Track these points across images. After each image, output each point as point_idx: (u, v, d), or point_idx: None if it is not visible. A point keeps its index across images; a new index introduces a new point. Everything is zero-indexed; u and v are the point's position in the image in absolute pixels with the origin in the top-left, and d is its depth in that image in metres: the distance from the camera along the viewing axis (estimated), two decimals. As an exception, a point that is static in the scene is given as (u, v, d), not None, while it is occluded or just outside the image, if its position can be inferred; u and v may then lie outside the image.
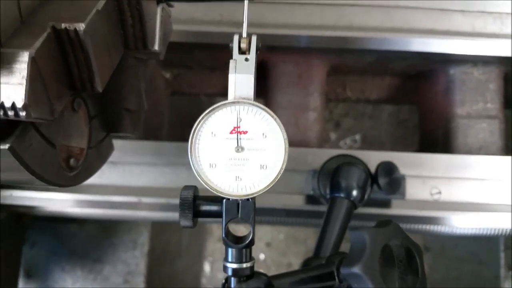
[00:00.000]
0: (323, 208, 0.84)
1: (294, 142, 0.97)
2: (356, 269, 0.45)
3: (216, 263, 1.61)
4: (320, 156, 0.85)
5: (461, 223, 0.87)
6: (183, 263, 1.47)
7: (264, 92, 1.02)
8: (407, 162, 0.87)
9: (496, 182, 0.87)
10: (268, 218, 0.88)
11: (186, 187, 0.47)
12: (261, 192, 0.44)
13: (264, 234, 1.66)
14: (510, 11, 0.94)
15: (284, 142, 0.44)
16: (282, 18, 0.92)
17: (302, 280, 0.51)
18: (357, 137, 1.79)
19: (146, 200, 0.85)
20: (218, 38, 0.91)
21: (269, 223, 0.89)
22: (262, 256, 1.64)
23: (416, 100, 1.16)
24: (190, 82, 1.12)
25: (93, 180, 0.86)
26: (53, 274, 1.25)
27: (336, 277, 0.50)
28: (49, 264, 1.25)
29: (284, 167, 0.44)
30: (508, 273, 1.46)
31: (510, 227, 0.87)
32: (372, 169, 0.74)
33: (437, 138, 1.05)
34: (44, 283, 1.25)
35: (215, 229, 1.61)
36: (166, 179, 0.87)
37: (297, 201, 0.87)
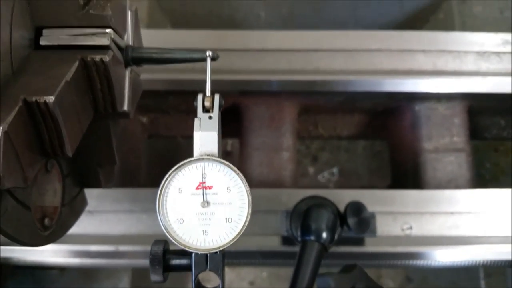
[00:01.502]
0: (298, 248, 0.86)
1: (268, 182, 0.99)
2: (322, 314, 0.47)
3: (200, 304, 1.60)
4: (294, 196, 0.87)
5: (433, 257, 0.89)
6: (166, 305, 1.45)
7: (238, 134, 1.05)
8: (377, 199, 0.89)
9: (465, 215, 0.90)
10: (244, 260, 0.89)
11: (156, 242, 0.48)
12: (228, 245, 0.46)
13: (247, 273, 1.65)
14: (469, 50, 0.99)
15: (247, 195, 0.46)
16: (251, 64, 0.96)
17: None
18: (335, 170, 1.83)
19: (123, 248, 0.86)
20: (191, 85, 0.94)
21: (245, 265, 0.91)
22: (246, 296, 1.64)
23: (385, 135, 1.19)
24: (167, 125, 1.14)
25: (71, 230, 0.88)
26: (34, 323, 1.23)
27: (307, 321, 0.52)
28: (30, 313, 1.24)
29: (248, 219, 0.46)
30: (490, 301, 1.48)
31: (482, 258, 0.89)
32: (343, 208, 0.76)
33: (407, 172, 1.08)
34: (26, 334, 1.23)
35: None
36: (144, 226, 0.88)
37: (272, 242, 0.87)
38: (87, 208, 0.88)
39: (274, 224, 0.88)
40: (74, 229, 0.87)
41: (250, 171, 1.00)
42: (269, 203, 0.90)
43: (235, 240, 0.46)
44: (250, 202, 0.46)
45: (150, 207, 0.88)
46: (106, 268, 1.19)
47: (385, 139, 1.24)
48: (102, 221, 0.88)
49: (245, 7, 1.57)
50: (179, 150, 1.22)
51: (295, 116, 1.06)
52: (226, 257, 0.87)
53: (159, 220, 0.45)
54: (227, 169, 0.46)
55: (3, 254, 0.89)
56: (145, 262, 0.89)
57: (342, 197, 0.86)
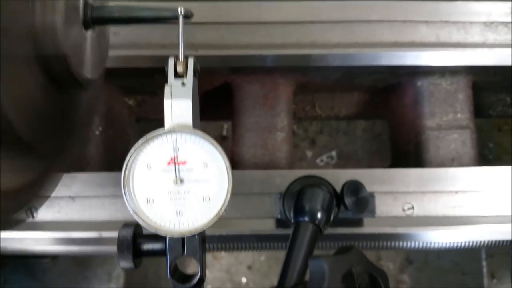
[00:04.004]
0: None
1: (263, 164, 0.95)
2: (314, 303, 0.41)
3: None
4: (289, 177, 0.83)
5: (435, 238, 0.84)
6: (163, 292, 1.43)
7: (230, 114, 1.00)
8: (377, 178, 0.85)
9: (469, 193, 0.85)
10: (238, 244, 0.84)
11: (125, 226, 0.43)
12: (205, 227, 0.41)
13: (245, 257, 1.63)
14: (474, 20, 0.93)
15: (227, 171, 0.40)
16: (242, 39, 0.90)
17: (263, 316, 0.47)
18: (333, 153, 1.78)
19: (106, 234, 0.81)
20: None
21: (239, 249, 0.86)
22: (244, 280, 1.61)
23: (386, 114, 1.14)
24: (155, 107, 1.09)
25: (52, 216, 0.83)
26: (27, 312, 1.21)
27: (299, 309, 0.47)
28: (22, 303, 1.21)
29: (228, 198, 0.40)
30: (491, 281, 1.45)
31: (487, 239, 0.85)
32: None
33: (409, 151, 1.03)
34: (19, 323, 1.21)
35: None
36: (128, 211, 0.82)
37: (267, 225, 0.83)
38: (69, 193, 0.84)
39: (268, 207, 0.83)
40: (55, 215, 0.83)
41: (243, 152, 0.95)
42: (263, 186, 0.85)
43: (213, 221, 0.40)
44: (230, 179, 0.40)
45: (136, 191, 0.84)
46: (96, 255, 1.15)
47: (385, 118, 1.18)
48: (85, 207, 0.83)
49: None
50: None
51: (291, 95, 1.00)
52: (220, 241, 0.83)
53: (125, 200, 0.40)
54: (203, 141, 0.40)
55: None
56: (131, 248, 0.85)
57: (340, 178, 0.81)
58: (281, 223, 0.83)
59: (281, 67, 0.93)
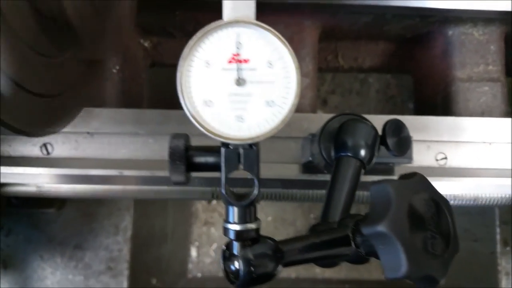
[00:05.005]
0: (321, 177, 0.78)
1: (286, 110, 0.90)
2: (381, 227, 0.37)
3: (203, 248, 1.57)
4: (316, 121, 0.78)
5: (469, 190, 0.81)
6: (169, 248, 1.41)
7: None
8: (409, 125, 0.80)
9: (504, 145, 0.82)
10: (263, 190, 0.80)
11: (176, 135, 0.38)
12: (268, 135, 0.36)
13: (252, 216, 1.61)
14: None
15: (296, 71, 0.36)
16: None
17: (314, 246, 0.44)
18: (345, 115, 1.74)
19: (127, 173, 0.76)
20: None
21: (262, 198, 0.82)
22: (250, 240, 1.59)
23: (411, 66, 1.10)
24: (172, 51, 1.03)
25: (68, 152, 0.79)
26: (31, 263, 1.19)
27: (352, 242, 0.43)
28: (26, 253, 1.19)
29: (296, 103, 0.36)
30: (504, 249, 1.42)
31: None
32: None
33: (436, 104, 0.99)
34: (23, 273, 1.18)
35: (201, 213, 1.57)
36: (150, 150, 0.78)
37: (293, 171, 0.79)
38: (87, 129, 0.79)
39: (294, 152, 0.80)
40: (72, 152, 0.79)
41: (265, 98, 0.90)
42: (289, 129, 0.81)
43: (277, 129, 0.36)
44: (299, 81, 0.36)
45: (157, 130, 0.79)
46: (106, 197, 1.11)
47: (410, 71, 1.14)
48: (104, 144, 0.79)
49: None
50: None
51: (316, 40, 0.96)
52: (242, 185, 0.79)
53: (182, 101, 0.35)
54: (269, 36, 0.35)
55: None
56: (151, 189, 0.81)
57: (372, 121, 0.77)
58: (307, 168, 0.79)
59: (307, 4, 0.88)
